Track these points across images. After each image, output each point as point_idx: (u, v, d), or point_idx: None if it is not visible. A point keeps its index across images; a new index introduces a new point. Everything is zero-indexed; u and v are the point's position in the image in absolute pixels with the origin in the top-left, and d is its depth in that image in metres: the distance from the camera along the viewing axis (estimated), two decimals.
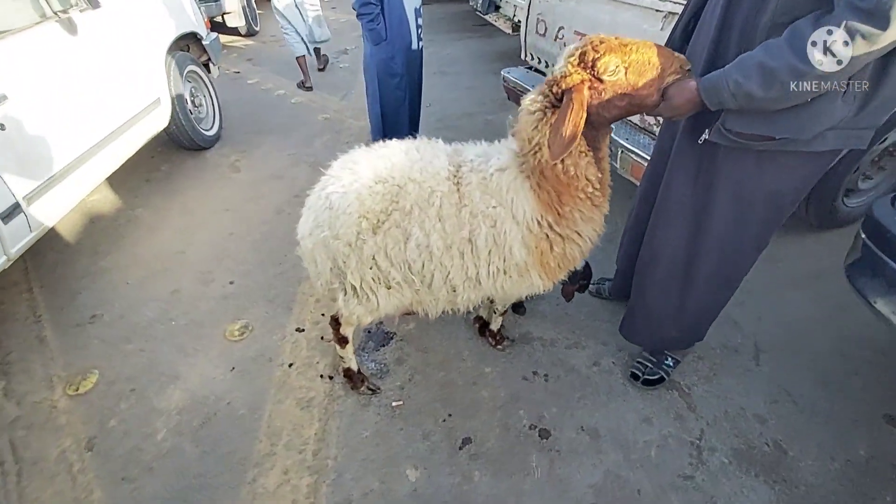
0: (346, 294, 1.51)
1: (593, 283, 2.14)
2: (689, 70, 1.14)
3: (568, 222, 1.30)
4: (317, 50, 5.21)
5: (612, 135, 2.10)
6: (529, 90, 2.71)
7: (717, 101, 1.08)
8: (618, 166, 2.18)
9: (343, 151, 4.01)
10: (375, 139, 2.94)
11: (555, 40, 2.56)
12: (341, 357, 1.78)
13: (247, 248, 2.62)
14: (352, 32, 6.77)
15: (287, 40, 4.73)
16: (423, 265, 1.37)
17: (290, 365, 1.94)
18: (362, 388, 1.79)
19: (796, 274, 2.20)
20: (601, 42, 1.08)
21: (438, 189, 1.32)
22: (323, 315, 2.16)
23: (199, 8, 3.84)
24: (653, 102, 1.13)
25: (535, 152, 1.19)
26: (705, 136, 1.23)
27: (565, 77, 1.11)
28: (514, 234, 1.31)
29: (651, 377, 1.73)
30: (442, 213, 1.32)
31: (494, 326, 1.91)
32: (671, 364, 1.75)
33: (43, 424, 1.72)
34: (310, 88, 4.89)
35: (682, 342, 1.73)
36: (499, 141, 1.42)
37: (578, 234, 1.34)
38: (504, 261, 1.36)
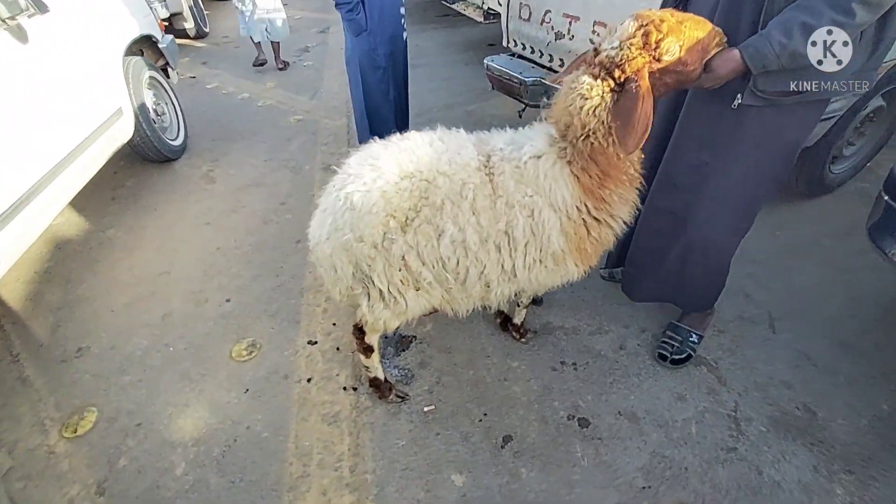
0: (370, 299, 1.43)
1: (602, 268, 2.14)
2: (726, 42, 1.14)
3: (606, 206, 1.27)
4: (276, 46, 5.06)
5: None
6: (517, 76, 2.71)
7: (762, 64, 1.10)
8: None
9: (323, 153, 3.86)
10: (362, 138, 2.84)
11: (541, 24, 2.53)
12: (366, 367, 1.70)
13: (238, 263, 2.47)
14: (311, 28, 6.55)
15: (241, 25, 4.93)
16: (458, 262, 1.31)
17: (309, 380, 1.84)
18: (391, 397, 1.72)
19: (796, 242, 2.28)
20: (661, 21, 1.05)
21: (470, 181, 1.26)
22: (335, 325, 2.06)
23: (152, 8, 3.60)
24: (696, 76, 1.11)
25: (587, 137, 1.15)
26: (739, 100, 1.24)
27: (629, 61, 1.06)
28: (552, 223, 1.27)
29: (678, 356, 1.74)
30: (476, 205, 1.26)
31: (518, 320, 1.87)
32: (696, 340, 1.77)
33: (42, 473, 1.56)
34: (264, 62, 5.19)
35: (694, 306, 1.77)
36: (524, 127, 1.37)
37: (613, 217, 1.32)
38: (541, 251, 1.32)
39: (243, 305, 2.20)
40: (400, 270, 1.33)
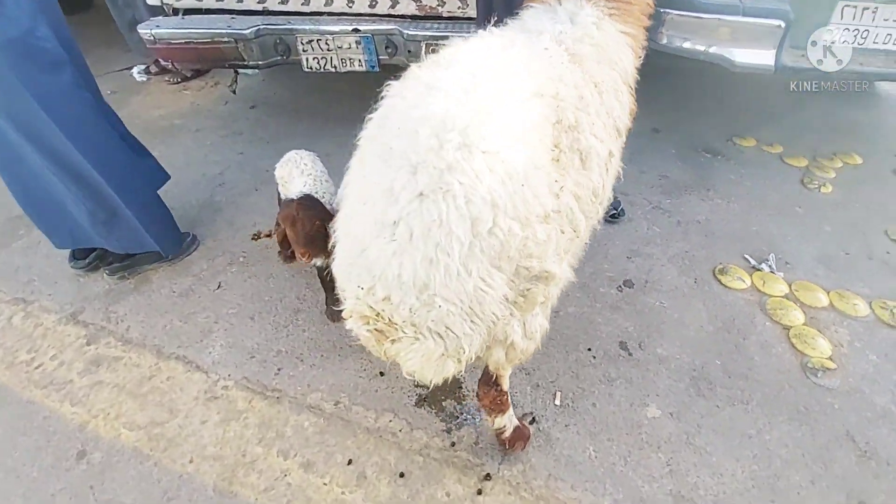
0: (526, 313, 0.94)
1: None
2: None
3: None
4: None
5: (412, 31, 1.88)
6: (227, 33, 1.94)
7: None
8: None
9: None
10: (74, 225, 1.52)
11: None
12: (500, 429, 1.17)
13: None
14: None
15: None
16: (602, 184, 1.01)
17: None
18: (530, 433, 1.27)
19: None
20: None
21: (578, 80, 0.94)
22: (349, 460, 1.23)
23: None
24: None
25: None
26: None
27: None
28: (625, 98, 1.12)
29: (618, 207, 1.95)
30: (594, 106, 0.97)
31: None
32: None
33: None
34: None
35: None
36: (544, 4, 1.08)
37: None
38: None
39: None
40: (574, 230, 0.92)
